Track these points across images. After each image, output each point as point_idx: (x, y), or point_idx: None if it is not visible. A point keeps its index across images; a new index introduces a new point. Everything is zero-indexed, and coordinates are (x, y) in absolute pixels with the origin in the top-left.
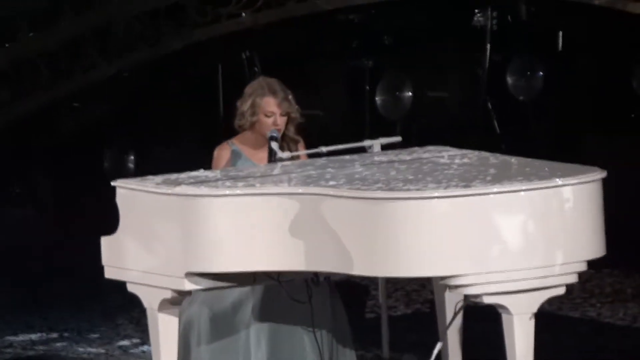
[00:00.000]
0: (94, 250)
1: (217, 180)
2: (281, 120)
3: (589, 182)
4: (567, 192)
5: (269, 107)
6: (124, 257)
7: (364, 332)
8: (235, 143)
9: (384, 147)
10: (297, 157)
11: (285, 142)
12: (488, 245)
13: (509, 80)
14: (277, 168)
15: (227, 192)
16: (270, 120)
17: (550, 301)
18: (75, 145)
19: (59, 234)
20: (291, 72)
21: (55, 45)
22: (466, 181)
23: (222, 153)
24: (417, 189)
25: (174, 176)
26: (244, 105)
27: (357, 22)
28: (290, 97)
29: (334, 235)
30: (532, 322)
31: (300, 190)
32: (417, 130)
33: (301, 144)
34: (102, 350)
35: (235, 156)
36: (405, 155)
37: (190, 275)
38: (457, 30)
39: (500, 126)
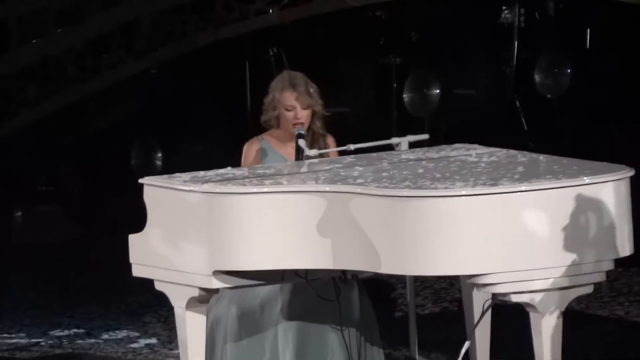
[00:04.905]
0: (121, 248)
1: (244, 177)
2: (303, 114)
3: (617, 180)
4: (596, 190)
5: (288, 101)
6: (152, 255)
7: (392, 330)
8: (265, 138)
9: (412, 145)
10: (325, 154)
11: (312, 137)
12: (516, 244)
13: (537, 77)
14: (305, 166)
15: (255, 189)
16: (291, 115)
17: (579, 300)
18: (102, 143)
19: (86, 232)
20: (318, 69)
21: (82, 42)
22: (494, 179)
23: (252, 148)
24: (445, 187)
25: (201, 174)
26: (267, 101)
27: (384, 19)
28: (312, 90)
29: (362, 233)
30: (560, 321)
31: (327, 188)
32: (444, 128)
33: (330, 139)
34: (129, 349)
35: (265, 151)
36: (433, 153)
37: (217, 273)
38: (484, 27)
39: (528, 124)
